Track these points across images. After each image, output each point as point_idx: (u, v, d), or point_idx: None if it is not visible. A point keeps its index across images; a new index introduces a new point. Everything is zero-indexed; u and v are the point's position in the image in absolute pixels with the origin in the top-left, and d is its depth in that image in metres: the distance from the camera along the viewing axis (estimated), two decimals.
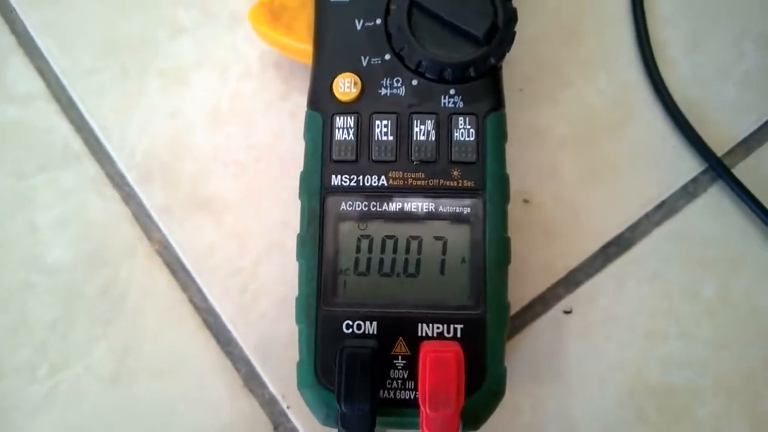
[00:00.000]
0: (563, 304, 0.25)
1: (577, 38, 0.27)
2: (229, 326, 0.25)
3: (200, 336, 0.25)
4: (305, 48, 0.24)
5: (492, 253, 0.21)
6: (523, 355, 0.25)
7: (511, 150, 0.23)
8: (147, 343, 0.25)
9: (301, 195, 0.22)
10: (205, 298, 0.25)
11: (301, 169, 0.22)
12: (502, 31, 0.22)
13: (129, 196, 0.27)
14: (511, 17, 0.22)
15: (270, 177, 0.26)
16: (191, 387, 0.25)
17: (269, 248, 0.26)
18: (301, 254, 0.22)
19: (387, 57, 0.22)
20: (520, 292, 0.25)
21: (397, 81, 0.22)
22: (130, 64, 0.28)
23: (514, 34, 0.22)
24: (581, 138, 0.26)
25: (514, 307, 0.25)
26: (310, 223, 0.22)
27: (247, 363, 0.25)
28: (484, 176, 0.21)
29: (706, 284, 0.25)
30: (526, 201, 0.26)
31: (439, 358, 0.19)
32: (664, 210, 0.26)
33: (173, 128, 0.27)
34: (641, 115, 0.26)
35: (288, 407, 0.24)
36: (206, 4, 0.28)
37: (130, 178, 0.27)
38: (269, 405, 0.25)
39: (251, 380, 0.25)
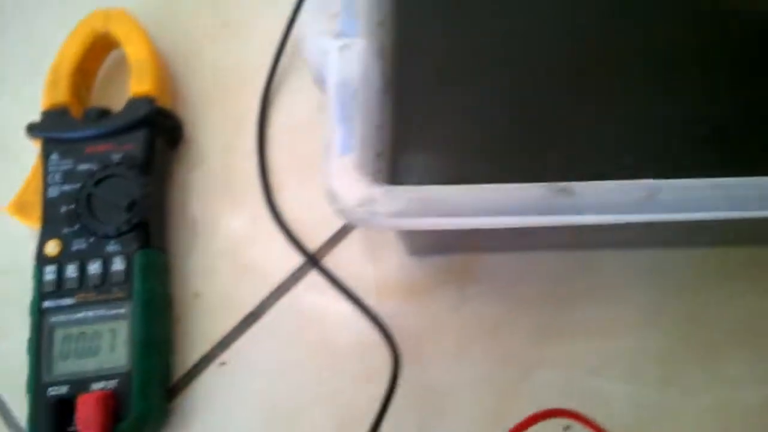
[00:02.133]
0: (220, 359, 0.39)
1: (226, 187, 0.43)
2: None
3: None
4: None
5: (138, 336, 0.36)
6: (197, 395, 0.39)
7: (185, 259, 0.39)
8: None
9: (30, 314, 0.37)
10: None
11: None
12: (138, 204, 0.38)
13: None
14: (145, 195, 0.38)
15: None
16: None
17: None
18: (28, 350, 0.36)
19: (77, 227, 0.38)
20: (191, 354, 0.39)
21: (83, 240, 0.38)
22: None
23: (149, 205, 0.38)
24: (231, 250, 0.41)
25: (188, 364, 0.39)
26: (32, 330, 0.37)
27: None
28: (131, 291, 0.37)
29: (311, 335, 0.39)
30: (196, 295, 0.41)
31: (86, 401, 0.33)
32: (281, 290, 0.40)
33: None
34: (266, 232, 0.42)
35: None
36: None
37: None
38: None
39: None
